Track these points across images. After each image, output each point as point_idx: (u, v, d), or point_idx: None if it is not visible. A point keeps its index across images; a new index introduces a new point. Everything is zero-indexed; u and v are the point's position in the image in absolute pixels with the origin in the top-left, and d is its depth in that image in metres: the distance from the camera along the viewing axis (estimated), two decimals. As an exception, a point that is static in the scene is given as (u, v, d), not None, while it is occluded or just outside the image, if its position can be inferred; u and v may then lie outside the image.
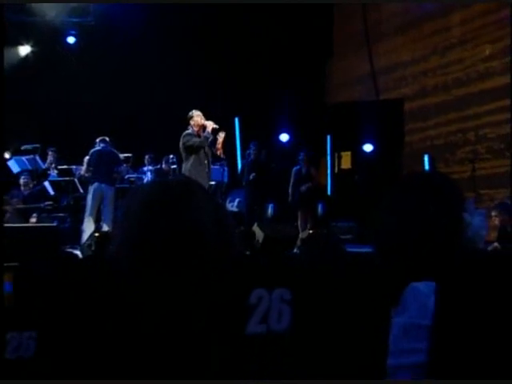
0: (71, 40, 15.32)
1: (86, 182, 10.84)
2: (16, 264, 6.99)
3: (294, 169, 11.91)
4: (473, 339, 1.46)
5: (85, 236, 9.43)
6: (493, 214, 8.80)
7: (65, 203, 11.62)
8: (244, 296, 1.11)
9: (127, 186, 11.57)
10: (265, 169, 12.23)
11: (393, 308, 1.48)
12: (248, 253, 6.85)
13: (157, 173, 12.12)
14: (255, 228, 8.82)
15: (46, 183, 11.69)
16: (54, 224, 10.66)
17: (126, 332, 1.37)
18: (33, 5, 15.10)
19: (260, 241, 8.46)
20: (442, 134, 13.43)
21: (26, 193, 11.47)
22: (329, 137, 14.13)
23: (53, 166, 12.35)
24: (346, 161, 14.52)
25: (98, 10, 15.08)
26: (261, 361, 1.15)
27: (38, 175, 12.02)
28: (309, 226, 11.30)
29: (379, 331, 1.37)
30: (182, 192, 1.45)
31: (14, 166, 12.10)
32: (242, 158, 13.45)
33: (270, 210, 12.76)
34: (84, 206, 10.54)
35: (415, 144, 13.97)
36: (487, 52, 12.64)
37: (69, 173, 11.61)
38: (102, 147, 10.58)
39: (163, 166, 12.36)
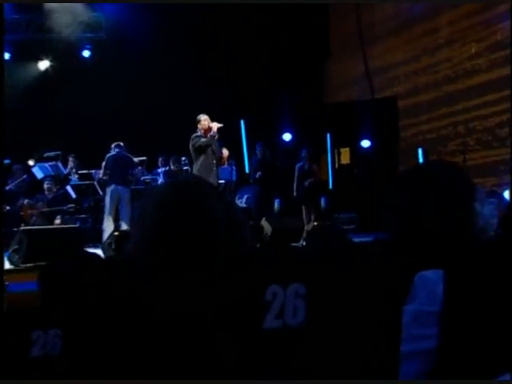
0: (86, 54, 15.45)
1: (104, 185, 10.84)
2: (43, 263, 6.96)
3: (298, 166, 11.90)
4: (482, 325, 1.39)
5: (105, 235, 9.46)
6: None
7: (86, 205, 11.64)
8: (260, 292, 1.06)
9: (142, 187, 11.59)
10: (270, 167, 12.25)
11: (404, 296, 1.42)
12: (258, 245, 6.81)
13: (167, 174, 12.10)
14: (263, 222, 8.80)
15: (68, 187, 11.69)
16: (77, 225, 10.68)
17: (142, 329, 1.32)
18: (50, 23, 15.16)
19: (268, 234, 8.45)
20: (434, 128, 13.39)
21: (49, 197, 11.49)
22: (328, 135, 14.09)
23: (74, 171, 12.37)
24: (346, 156, 14.50)
25: (109, 26, 15.24)
26: (278, 355, 1.10)
27: (61, 180, 12.02)
28: (313, 218, 11.27)
29: (392, 319, 1.31)
30: (194, 192, 1.40)
31: (38, 173, 12.11)
32: (249, 157, 13.43)
33: (276, 205, 12.76)
34: (103, 207, 10.54)
35: (409, 139, 13.93)
36: (473, 51, 12.60)
37: (88, 177, 11.64)
38: (117, 152, 10.57)
39: (171, 167, 12.31)
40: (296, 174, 11.85)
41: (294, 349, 1.16)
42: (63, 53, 15.34)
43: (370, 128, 13.57)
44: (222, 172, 10.29)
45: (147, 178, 12.28)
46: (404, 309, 1.43)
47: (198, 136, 9.21)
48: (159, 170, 12.48)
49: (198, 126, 9.30)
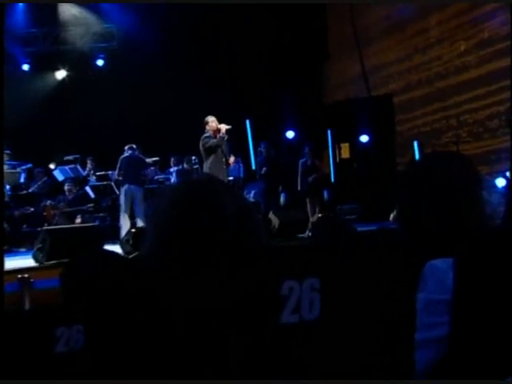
0: (100, 62, 15.46)
1: (120, 185, 10.82)
2: (65, 260, 6.93)
3: (301, 161, 11.88)
4: (492, 312, 1.32)
5: (123, 232, 9.47)
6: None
7: (104, 204, 11.63)
8: (275, 288, 1.00)
9: (156, 186, 11.58)
10: (275, 163, 12.21)
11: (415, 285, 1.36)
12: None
13: (180, 173, 12.07)
14: (271, 215, 8.77)
15: (87, 188, 11.68)
16: (96, 223, 10.67)
17: (159, 324, 1.26)
18: (65, 35, 15.22)
19: (276, 226, 8.42)
20: (428, 122, 13.34)
21: (70, 197, 11.50)
22: (329, 131, 14.05)
23: (92, 172, 12.34)
24: (346, 151, 14.46)
25: (120, 36, 15.23)
26: (295, 349, 1.04)
27: (80, 181, 12.01)
28: (317, 210, 11.23)
29: (406, 308, 1.24)
30: (206, 190, 1.34)
31: (58, 175, 12.12)
32: (255, 155, 13.40)
33: (282, 199, 12.74)
34: (120, 206, 10.50)
35: (405, 133, 13.87)
36: (462, 48, 12.56)
37: (106, 178, 11.61)
38: (130, 154, 10.56)
39: (185, 166, 12.27)
40: (300, 170, 11.84)
41: (311, 342, 1.10)
42: (78, 62, 15.34)
43: (368, 124, 13.55)
44: (230, 170, 10.29)
45: (160, 177, 12.24)
46: (416, 297, 1.37)
47: (207, 137, 9.17)
48: (171, 170, 12.44)
49: (207, 127, 9.27)
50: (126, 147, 10.60)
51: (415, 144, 12.80)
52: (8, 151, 12.43)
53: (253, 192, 12.47)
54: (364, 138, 13.91)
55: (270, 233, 8.12)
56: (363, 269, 1.23)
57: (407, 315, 1.27)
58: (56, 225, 10.30)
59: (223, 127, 9.15)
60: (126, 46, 14.86)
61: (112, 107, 13.94)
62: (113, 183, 11.25)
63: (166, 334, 1.25)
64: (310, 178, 11.59)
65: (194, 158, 11.99)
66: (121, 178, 10.52)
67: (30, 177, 12.26)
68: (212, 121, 9.23)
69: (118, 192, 11.17)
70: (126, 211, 10.13)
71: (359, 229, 7.94)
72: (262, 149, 12.29)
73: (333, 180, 13.66)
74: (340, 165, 14.18)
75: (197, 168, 11.83)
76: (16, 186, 11.72)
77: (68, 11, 15.20)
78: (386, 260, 1.33)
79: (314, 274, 1.09)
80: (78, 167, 12.29)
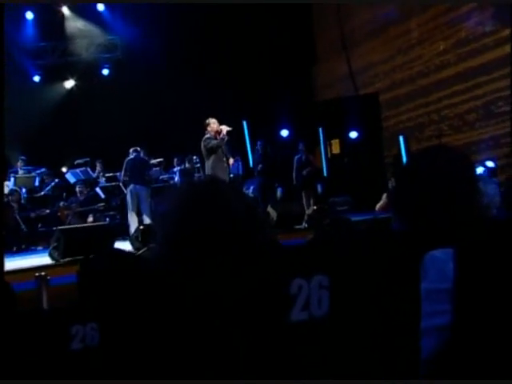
0: (105, 72, 15.50)
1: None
2: (80, 257, 6.88)
3: (296, 157, 11.87)
4: (493, 299, 1.26)
5: (131, 229, 9.44)
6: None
7: (114, 203, 11.58)
8: (285, 287, 0.95)
9: (161, 185, 11.52)
10: (271, 160, 12.18)
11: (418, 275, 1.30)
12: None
13: (183, 172, 12.02)
14: (269, 209, 8.71)
15: (98, 189, 11.63)
16: (107, 221, 10.62)
17: (171, 323, 1.19)
18: (72, 47, 15.25)
19: (274, 219, 8.37)
20: (412, 117, 13.30)
21: (81, 198, 11.45)
22: (320, 129, 14.01)
23: (101, 174, 12.27)
24: (336, 147, 14.42)
25: (123, 46, 15.26)
26: (305, 346, 0.98)
27: (90, 183, 11.94)
28: (312, 203, 11.21)
29: (411, 298, 1.18)
30: (211, 190, 1.29)
31: (70, 178, 12.06)
32: (252, 153, 13.37)
33: (279, 193, 12.70)
34: (127, 205, 10.45)
35: (391, 128, 13.83)
36: (441, 48, 12.52)
37: (114, 179, 11.57)
38: (135, 156, 10.48)
39: (187, 165, 12.21)
40: (295, 165, 11.82)
41: (321, 338, 1.04)
42: (85, 72, 15.34)
43: (357, 121, 13.53)
44: (230, 168, 10.22)
45: (165, 176, 12.17)
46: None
47: (209, 138, 9.09)
48: (175, 169, 12.37)
49: (208, 128, 9.19)
50: (131, 150, 10.54)
51: (401, 138, 12.78)
52: (23, 157, 12.41)
53: (251, 188, 12.42)
54: (353, 134, 13.89)
55: (268, 225, 8.06)
56: (368, 264, 1.16)
57: (412, 307, 1.21)
58: (69, 224, 10.26)
59: (224, 129, 9.07)
60: (129, 55, 14.89)
61: (118, 113, 13.90)
62: (121, 184, 11.19)
63: (178, 332, 1.19)
64: (305, 172, 11.59)
65: (195, 157, 11.95)
66: (127, 179, 10.45)
67: (44, 181, 12.21)
68: (213, 123, 9.16)
69: (125, 192, 11.13)
70: (133, 209, 10.07)
71: (352, 219, 7.91)
72: (258, 147, 12.30)
73: (325, 174, 13.63)
74: (331, 160, 14.14)
75: (198, 167, 11.79)
76: (31, 190, 11.68)
77: (73, 24, 15.22)
78: (388, 253, 1.26)
79: (322, 271, 1.03)
80: (88, 170, 12.22)
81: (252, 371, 1.05)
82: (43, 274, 5.16)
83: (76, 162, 12.73)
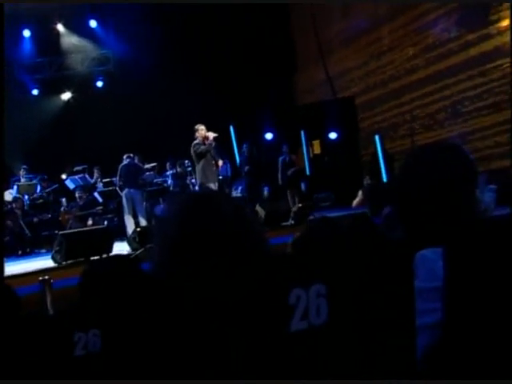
0: (99, 84, 15.46)
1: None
2: (83, 259, 6.78)
3: (280, 158, 11.84)
4: (483, 296, 1.20)
5: (128, 230, 9.38)
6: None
7: (111, 207, 11.50)
8: (284, 297, 0.89)
9: (155, 188, 11.45)
10: (257, 162, 12.13)
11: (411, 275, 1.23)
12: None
13: (175, 176, 11.96)
14: (257, 208, 8.64)
15: (96, 194, 11.55)
16: (105, 224, 10.55)
17: (170, 328, 1.13)
18: (67, 61, 15.23)
19: (262, 217, 8.30)
20: (386, 118, 13.30)
21: (81, 203, 11.38)
22: (302, 131, 13.99)
23: (99, 180, 12.17)
24: (317, 147, 14.43)
25: (115, 59, 15.19)
26: (305, 355, 0.92)
27: (89, 188, 11.85)
28: (297, 200, 11.15)
29: (406, 298, 1.12)
30: (204, 197, 1.26)
31: (70, 184, 11.97)
32: (239, 155, 13.32)
33: (265, 192, 12.64)
34: (123, 208, 10.37)
35: (367, 128, 13.82)
36: (411, 53, 12.53)
37: (111, 184, 11.49)
38: (128, 162, 10.41)
39: (178, 169, 12.14)
40: (279, 166, 11.79)
41: (321, 346, 0.97)
42: (81, 85, 15.27)
43: (335, 122, 13.53)
44: (219, 170, 10.22)
45: (158, 180, 12.09)
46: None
47: (197, 144, 9.08)
48: (167, 173, 12.31)
49: (196, 134, 9.18)
50: (125, 156, 10.48)
51: (376, 138, 12.79)
52: (24, 166, 12.30)
53: (240, 188, 12.37)
54: (332, 135, 13.89)
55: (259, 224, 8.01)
56: (363, 267, 1.10)
57: (408, 308, 1.15)
58: (71, 227, 10.21)
59: (211, 135, 9.05)
60: (121, 67, 14.84)
61: (112, 121, 13.82)
62: (117, 188, 11.10)
63: (179, 338, 1.12)
64: (289, 172, 11.55)
65: (186, 161, 11.88)
66: (121, 183, 10.37)
67: (45, 188, 12.09)
68: (201, 129, 9.12)
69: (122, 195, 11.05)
70: (129, 212, 9.99)
71: (334, 214, 7.88)
72: (244, 149, 12.24)
73: (308, 173, 13.61)
74: (313, 159, 14.13)
75: (189, 171, 11.72)
76: (33, 196, 11.58)
77: (68, 40, 15.20)
78: (382, 255, 1.20)
79: (320, 280, 0.97)
80: (87, 176, 12.14)
81: (253, 381, 0.98)
82: (47, 277, 5.08)
83: (75, 169, 12.66)
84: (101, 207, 11.33)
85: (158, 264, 1.35)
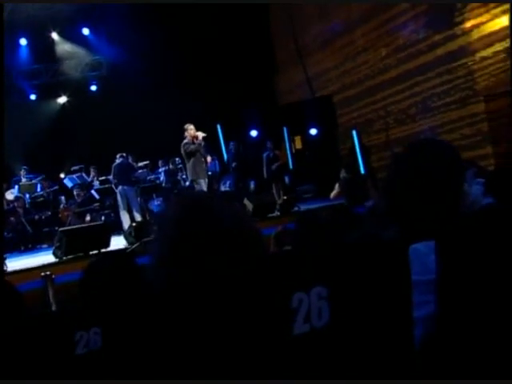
0: (93, 88, 15.34)
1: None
2: (82, 254, 6.66)
3: (265, 154, 11.78)
4: (475, 289, 1.14)
5: (124, 225, 9.29)
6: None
7: (107, 203, 11.38)
8: (286, 301, 0.82)
9: (149, 184, 11.34)
10: (243, 158, 12.07)
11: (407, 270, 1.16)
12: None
13: (167, 173, 11.85)
14: (245, 201, 8.57)
15: (93, 191, 11.40)
16: (102, 220, 10.43)
17: (170, 330, 1.05)
18: (62, 67, 15.10)
19: (250, 210, 8.24)
20: (362, 114, 13.26)
21: (79, 200, 11.24)
22: (285, 128, 13.93)
23: (95, 178, 12.03)
24: (299, 143, 14.39)
25: (108, 64, 15.04)
26: (308, 357, 0.86)
27: (86, 186, 11.70)
28: (282, 193, 11.11)
29: (404, 296, 1.05)
30: (205, 208, 1.17)
31: (68, 183, 11.83)
32: (226, 152, 13.23)
33: (252, 186, 12.59)
34: (118, 204, 10.27)
35: (344, 124, 13.78)
36: (383, 53, 12.48)
37: (107, 181, 11.36)
38: (121, 161, 10.31)
39: (170, 166, 12.03)
40: (264, 161, 11.73)
41: (323, 348, 0.90)
42: (76, 89, 15.13)
43: (315, 119, 13.50)
44: (208, 166, 10.12)
45: (151, 177, 11.97)
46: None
47: (187, 143, 8.99)
48: (160, 170, 12.19)
49: (186, 133, 9.07)
50: (118, 156, 10.39)
51: (353, 133, 12.74)
52: (25, 167, 12.13)
53: (228, 183, 12.30)
54: (313, 131, 13.85)
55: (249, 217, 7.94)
56: (361, 267, 1.03)
57: (405, 302, 1.08)
58: (70, 223, 10.08)
59: (200, 135, 8.97)
60: (113, 72, 14.69)
61: (106, 123, 13.65)
62: (113, 185, 10.98)
63: (179, 338, 1.04)
64: (274, 167, 11.50)
65: (177, 159, 11.79)
66: (115, 181, 10.24)
67: (44, 187, 11.94)
68: (190, 128, 9.03)
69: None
70: (124, 208, 9.89)
71: (316, 205, 7.85)
72: (231, 147, 12.20)
73: (291, 167, 13.57)
74: (295, 154, 14.09)
75: (181, 168, 11.62)
76: (34, 195, 11.43)
77: (62, 47, 15.09)
78: (377, 253, 1.12)
79: (320, 282, 0.90)
80: (84, 175, 12.01)
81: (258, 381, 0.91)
82: (48, 273, 4.97)
83: (72, 169, 12.56)
84: (98, 204, 11.22)
85: (158, 260, 1.26)
